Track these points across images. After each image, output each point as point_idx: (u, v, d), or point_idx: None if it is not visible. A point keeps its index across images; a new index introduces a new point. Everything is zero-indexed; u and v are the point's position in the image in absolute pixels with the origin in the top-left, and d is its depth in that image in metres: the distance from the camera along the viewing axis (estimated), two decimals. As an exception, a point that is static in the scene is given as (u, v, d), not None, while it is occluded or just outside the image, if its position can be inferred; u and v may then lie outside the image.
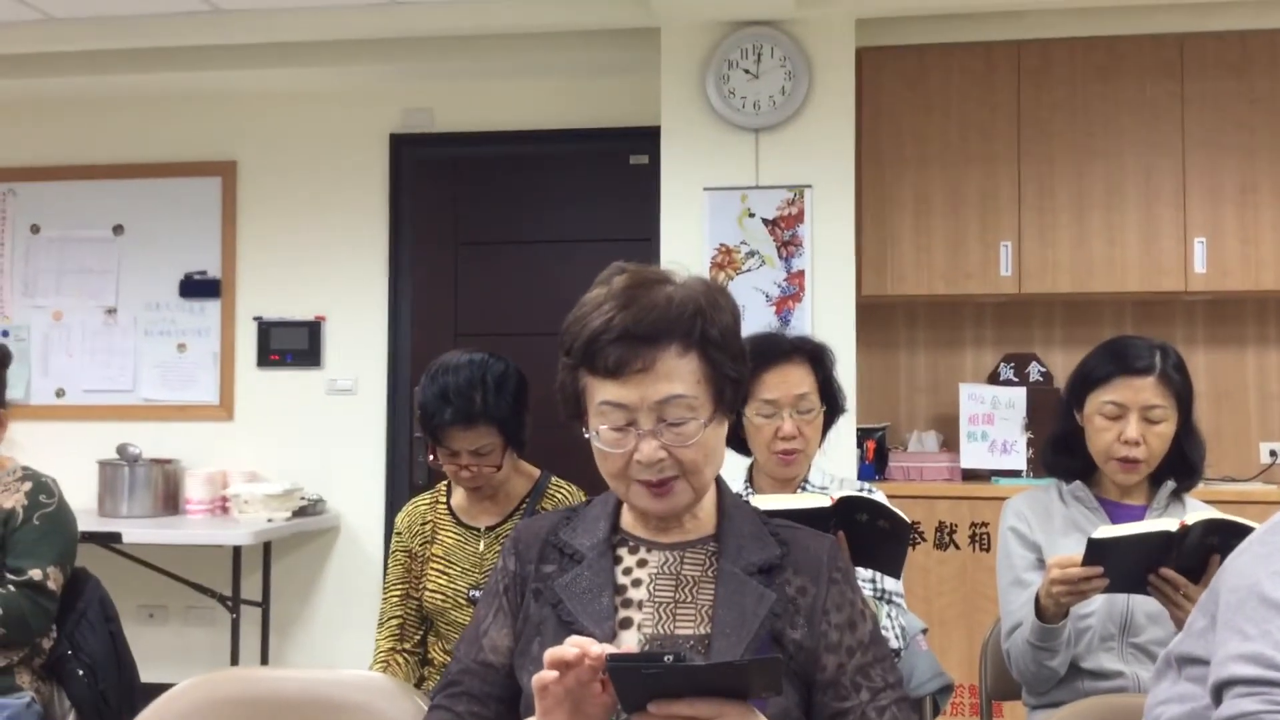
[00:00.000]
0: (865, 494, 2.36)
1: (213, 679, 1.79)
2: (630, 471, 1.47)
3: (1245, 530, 1.86)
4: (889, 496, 2.48)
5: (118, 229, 5.24)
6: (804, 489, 2.47)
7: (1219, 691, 1.27)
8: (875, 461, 4.53)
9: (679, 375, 1.44)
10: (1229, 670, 1.26)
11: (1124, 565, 1.96)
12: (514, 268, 5.00)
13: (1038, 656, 2.11)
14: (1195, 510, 2.22)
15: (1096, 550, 1.94)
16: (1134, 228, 4.43)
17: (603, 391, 1.46)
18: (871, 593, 2.38)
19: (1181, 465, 2.26)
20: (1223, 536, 1.90)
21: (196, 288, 5.17)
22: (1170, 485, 2.28)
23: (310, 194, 5.14)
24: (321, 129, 5.14)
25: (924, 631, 2.47)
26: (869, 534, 2.05)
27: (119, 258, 5.23)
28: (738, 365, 1.51)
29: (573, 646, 1.28)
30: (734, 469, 2.49)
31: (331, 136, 5.13)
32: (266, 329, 5.11)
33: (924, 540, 4.26)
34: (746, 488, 2.52)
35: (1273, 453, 4.66)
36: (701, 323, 1.46)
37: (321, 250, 5.11)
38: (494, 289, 5.00)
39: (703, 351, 1.46)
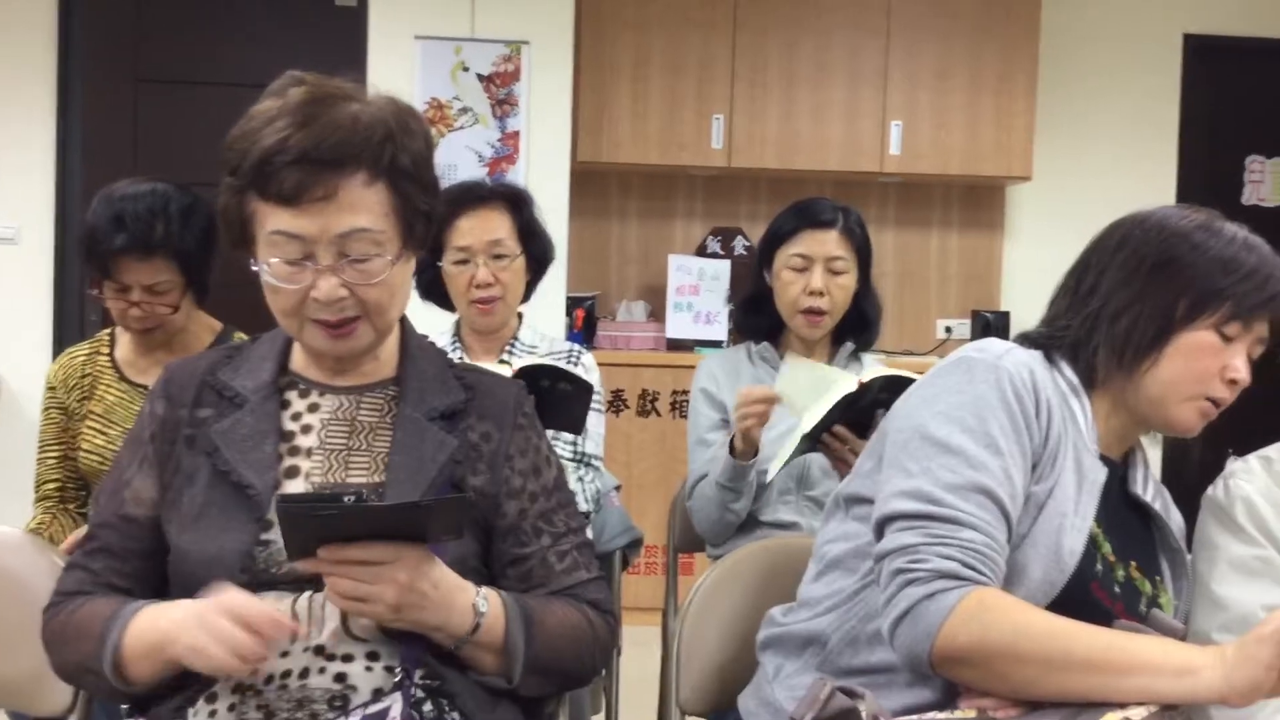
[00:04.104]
0: (567, 360, 2.37)
1: None
2: (305, 310, 1.34)
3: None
4: (597, 364, 2.47)
5: None
6: (513, 346, 2.42)
7: (881, 527, 1.31)
8: (584, 330, 4.54)
9: (364, 206, 1.32)
10: (891, 506, 1.30)
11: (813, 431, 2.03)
12: (203, 110, 4.58)
13: (724, 499, 2.17)
14: (872, 368, 2.32)
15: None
16: (838, 107, 4.56)
17: (275, 220, 1.31)
18: (572, 455, 2.36)
19: (860, 324, 2.36)
20: (891, 393, 1.99)
21: None
22: (850, 346, 2.38)
23: (-39, 13, 4.50)
24: (-26, -63, 4.49)
25: (617, 489, 2.50)
26: (552, 398, 2.04)
27: None
28: (430, 197, 1.40)
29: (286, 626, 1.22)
30: (440, 325, 2.41)
31: (-14, -52, 4.49)
32: (-93, 166, 4.49)
33: (627, 407, 4.32)
34: (454, 344, 2.43)
35: (948, 329, 5.02)
36: (392, 149, 1.33)
37: (-25, 79, 4.50)
38: (180, 132, 4.58)
39: (392, 181, 1.34)
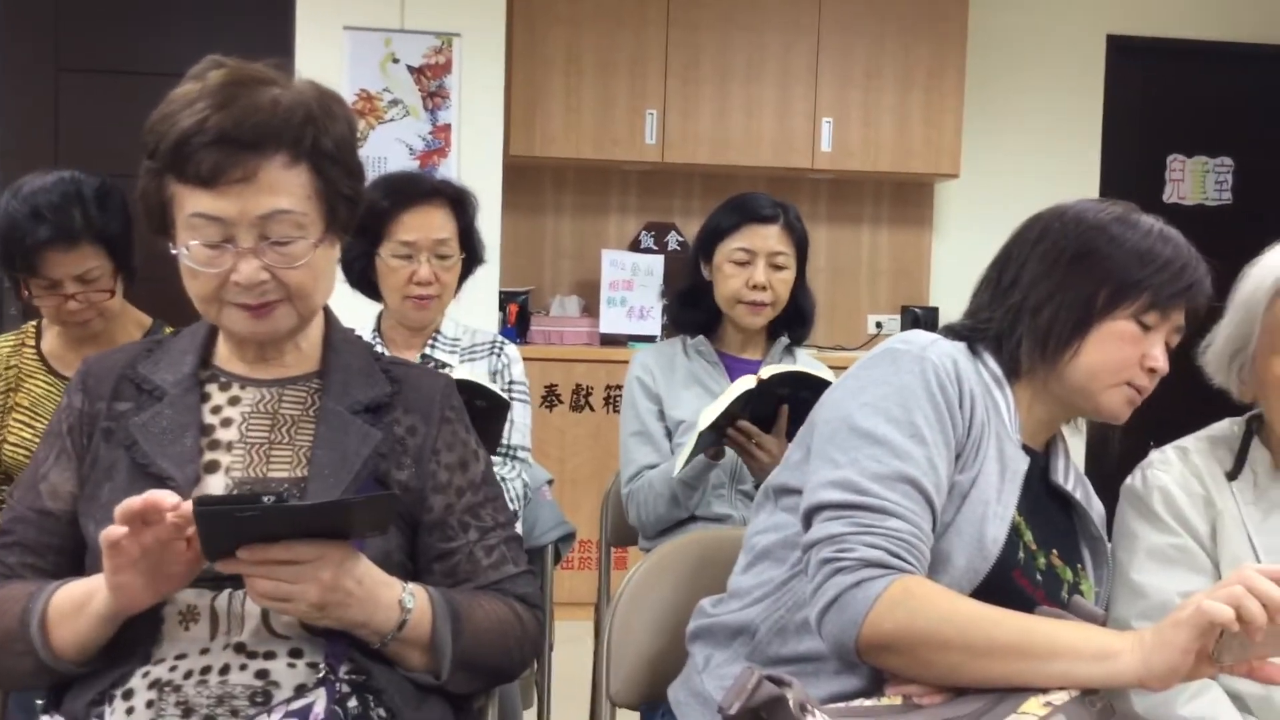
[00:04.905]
0: (490, 351, 2.39)
1: None
2: (225, 294, 1.32)
3: (815, 381, 2.01)
4: (527, 359, 2.47)
5: None
6: (435, 340, 2.40)
7: (809, 517, 1.31)
8: (518, 325, 4.51)
9: (286, 188, 1.30)
10: (818, 496, 1.30)
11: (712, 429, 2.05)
12: (127, 101, 4.47)
13: (683, 495, 2.19)
14: (801, 363, 2.34)
15: None
16: (770, 104, 4.59)
17: (194, 202, 1.28)
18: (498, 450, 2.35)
19: (796, 318, 2.37)
20: (792, 388, 2.02)
21: None
22: (784, 341, 2.39)
23: None
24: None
25: (549, 483, 2.49)
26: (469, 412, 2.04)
27: None
28: (353, 181, 1.38)
29: (146, 499, 1.15)
30: (363, 317, 2.38)
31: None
32: None
33: (561, 402, 4.31)
34: (375, 336, 2.41)
35: (878, 324, 5.07)
36: (313, 131, 1.31)
37: (-114, 65, 4.36)
38: (103, 123, 4.48)
39: (314, 164, 1.32)
